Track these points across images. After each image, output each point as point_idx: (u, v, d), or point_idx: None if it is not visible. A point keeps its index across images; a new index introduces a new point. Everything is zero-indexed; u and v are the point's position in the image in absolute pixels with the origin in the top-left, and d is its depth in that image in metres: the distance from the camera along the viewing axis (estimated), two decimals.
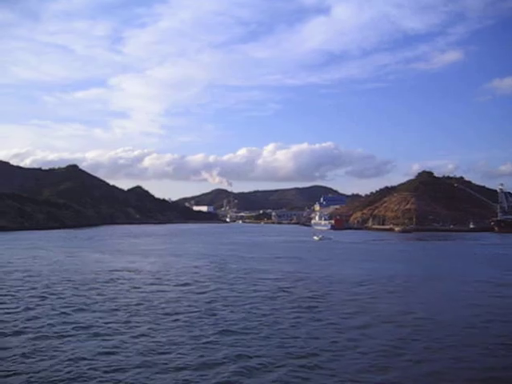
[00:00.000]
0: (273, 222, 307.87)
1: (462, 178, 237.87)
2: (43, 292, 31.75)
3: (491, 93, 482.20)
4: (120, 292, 32.49)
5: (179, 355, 18.16)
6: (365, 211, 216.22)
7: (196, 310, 26.82)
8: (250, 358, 17.99)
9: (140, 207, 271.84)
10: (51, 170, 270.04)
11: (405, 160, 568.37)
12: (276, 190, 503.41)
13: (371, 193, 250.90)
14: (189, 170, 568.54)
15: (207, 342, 19.94)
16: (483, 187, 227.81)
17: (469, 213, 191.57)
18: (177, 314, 25.61)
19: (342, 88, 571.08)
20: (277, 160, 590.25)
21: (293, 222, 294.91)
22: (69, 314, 25.09)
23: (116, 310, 26.55)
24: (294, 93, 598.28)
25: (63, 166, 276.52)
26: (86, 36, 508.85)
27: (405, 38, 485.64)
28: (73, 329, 21.91)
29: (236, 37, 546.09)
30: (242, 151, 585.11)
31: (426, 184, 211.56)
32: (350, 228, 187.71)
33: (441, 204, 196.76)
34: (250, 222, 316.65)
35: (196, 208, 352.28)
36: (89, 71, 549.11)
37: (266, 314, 25.86)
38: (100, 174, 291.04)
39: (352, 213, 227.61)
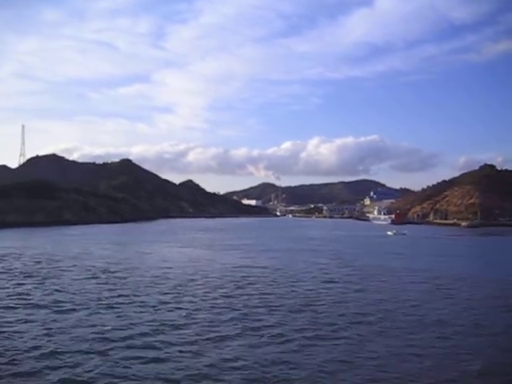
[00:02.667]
0: (324, 216, 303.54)
1: None
2: (213, 294, 30.07)
3: None
4: (285, 290, 31.31)
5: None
6: (424, 205, 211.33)
7: (393, 309, 25.00)
8: None
9: (192, 201, 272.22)
10: (105, 164, 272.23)
11: (451, 153, 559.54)
12: (323, 184, 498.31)
13: (428, 186, 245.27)
14: (233, 163, 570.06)
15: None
16: None
17: None
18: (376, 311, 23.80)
19: (385, 81, 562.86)
20: (320, 154, 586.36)
21: (345, 216, 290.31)
22: (267, 315, 23.71)
23: (301, 310, 25.05)
24: (335, 86, 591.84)
25: (113, 160, 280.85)
26: (128, 33, 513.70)
27: (451, 28, 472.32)
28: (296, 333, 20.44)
29: (277, 31, 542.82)
30: (286, 145, 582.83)
31: (489, 177, 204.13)
32: (411, 222, 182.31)
33: (505, 198, 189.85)
34: (300, 216, 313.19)
35: (244, 202, 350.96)
36: (132, 67, 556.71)
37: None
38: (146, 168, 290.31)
39: (410, 207, 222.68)
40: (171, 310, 24.74)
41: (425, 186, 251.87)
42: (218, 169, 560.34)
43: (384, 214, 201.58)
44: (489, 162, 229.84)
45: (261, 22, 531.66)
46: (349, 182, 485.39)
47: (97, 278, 35.22)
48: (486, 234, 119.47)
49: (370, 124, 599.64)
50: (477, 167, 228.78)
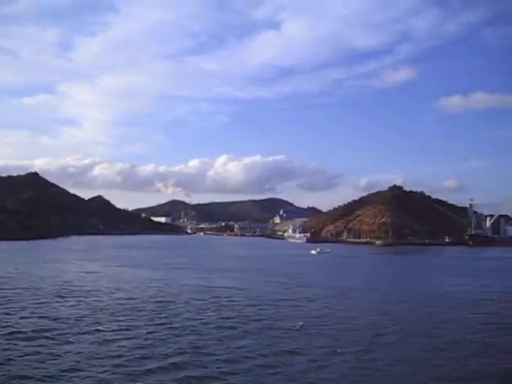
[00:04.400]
0: (235, 235, 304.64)
1: (422, 192, 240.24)
2: (204, 316, 29.30)
3: (439, 111, 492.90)
4: (273, 310, 30.69)
5: None
6: (337, 224, 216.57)
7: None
8: None
9: (102, 217, 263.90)
10: (9, 178, 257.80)
11: (353, 174, 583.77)
12: (232, 202, 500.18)
13: (339, 206, 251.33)
14: (139, 180, 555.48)
15: None
16: (445, 202, 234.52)
17: (438, 226, 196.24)
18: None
19: (292, 102, 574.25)
20: (228, 171, 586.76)
21: (256, 234, 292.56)
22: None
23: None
24: (243, 106, 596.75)
25: (19, 173, 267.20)
26: (34, 41, 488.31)
27: (355, 54, 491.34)
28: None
29: (187, 48, 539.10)
30: (194, 162, 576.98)
31: (398, 198, 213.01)
32: (326, 241, 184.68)
33: (413, 218, 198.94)
34: (211, 234, 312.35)
35: (154, 219, 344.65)
36: (37, 77, 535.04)
37: None
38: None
39: (323, 226, 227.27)
40: (178, 331, 23.66)
41: (333, 205, 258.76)
42: (124, 185, 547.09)
43: (299, 233, 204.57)
44: (390, 184, 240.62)
45: (170, 38, 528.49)
46: (258, 201, 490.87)
47: (61, 301, 32.85)
48: (403, 253, 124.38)
49: (277, 144, 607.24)
50: (378, 188, 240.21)
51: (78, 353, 19.76)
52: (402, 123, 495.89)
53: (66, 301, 32.85)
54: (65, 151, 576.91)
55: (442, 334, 24.96)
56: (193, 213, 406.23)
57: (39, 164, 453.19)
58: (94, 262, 68.22)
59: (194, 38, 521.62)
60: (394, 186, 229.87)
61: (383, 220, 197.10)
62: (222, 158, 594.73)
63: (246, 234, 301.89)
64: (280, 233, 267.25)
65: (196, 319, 27.25)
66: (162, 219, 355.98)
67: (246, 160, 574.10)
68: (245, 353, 20.24)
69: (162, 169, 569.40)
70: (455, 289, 45.63)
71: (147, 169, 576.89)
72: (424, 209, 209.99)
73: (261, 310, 30.83)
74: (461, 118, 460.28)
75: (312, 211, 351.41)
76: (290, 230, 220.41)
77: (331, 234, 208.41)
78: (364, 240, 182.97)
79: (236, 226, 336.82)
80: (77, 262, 66.79)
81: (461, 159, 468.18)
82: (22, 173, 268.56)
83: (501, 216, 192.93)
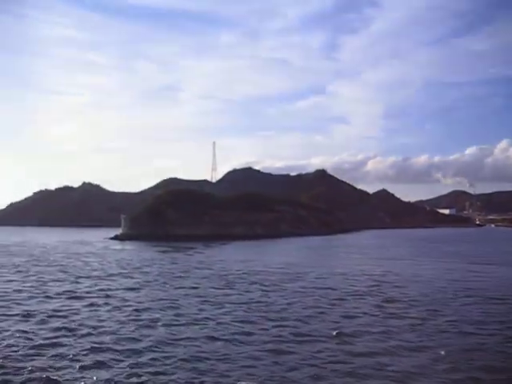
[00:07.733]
0: None
1: None
2: None
3: None
4: None
5: None
6: None
7: None
8: None
9: (387, 211, 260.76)
10: (299, 176, 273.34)
11: None
12: None
13: None
14: (413, 172, 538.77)
15: None
16: None
17: None
18: None
19: None
20: (510, 158, 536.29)
21: None
22: None
23: None
24: None
25: (308, 171, 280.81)
26: (302, 48, 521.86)
27: None
28: None
29: (451, 31, 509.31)
30: (471, 150, 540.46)
31: None
32: None
33: None
34: (505, 226, 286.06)
35: (439, 211, 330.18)
36: (307, 81, 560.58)
37: None
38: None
39: None
40: None
41: None
42: (397, 178, 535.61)
43: None
44: None
45: (433, 23, 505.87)
46: None
47: None
48: None
49: None
50: None
51: None
52: None
53: None
54: (337, 148, 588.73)
55: None
56: (478, 203, 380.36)
57: (316, 162, 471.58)
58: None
59: (458, 19, 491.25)
60: None
61: None
62: (503, 144, 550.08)
63: None
64: None
65: None
66: (446, 211, 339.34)
67: None
68: None
69: (436, 159, 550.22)
70: None
71: (420, 160, 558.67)
72: None
73: None
74: None
75: None
76: None
77: None
78: None
79: None
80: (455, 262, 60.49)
81: None
82: (301, 172, 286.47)
83: None
